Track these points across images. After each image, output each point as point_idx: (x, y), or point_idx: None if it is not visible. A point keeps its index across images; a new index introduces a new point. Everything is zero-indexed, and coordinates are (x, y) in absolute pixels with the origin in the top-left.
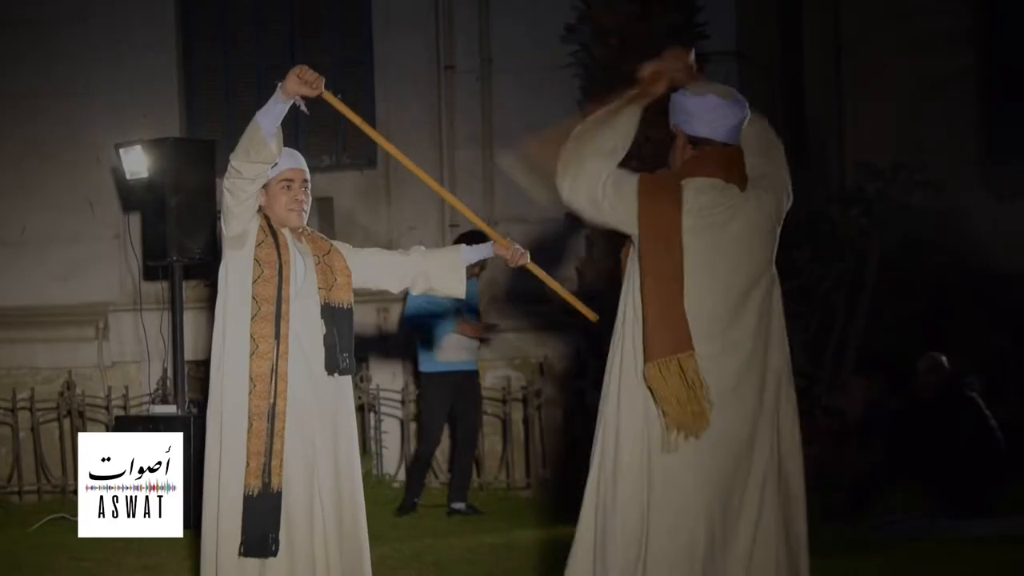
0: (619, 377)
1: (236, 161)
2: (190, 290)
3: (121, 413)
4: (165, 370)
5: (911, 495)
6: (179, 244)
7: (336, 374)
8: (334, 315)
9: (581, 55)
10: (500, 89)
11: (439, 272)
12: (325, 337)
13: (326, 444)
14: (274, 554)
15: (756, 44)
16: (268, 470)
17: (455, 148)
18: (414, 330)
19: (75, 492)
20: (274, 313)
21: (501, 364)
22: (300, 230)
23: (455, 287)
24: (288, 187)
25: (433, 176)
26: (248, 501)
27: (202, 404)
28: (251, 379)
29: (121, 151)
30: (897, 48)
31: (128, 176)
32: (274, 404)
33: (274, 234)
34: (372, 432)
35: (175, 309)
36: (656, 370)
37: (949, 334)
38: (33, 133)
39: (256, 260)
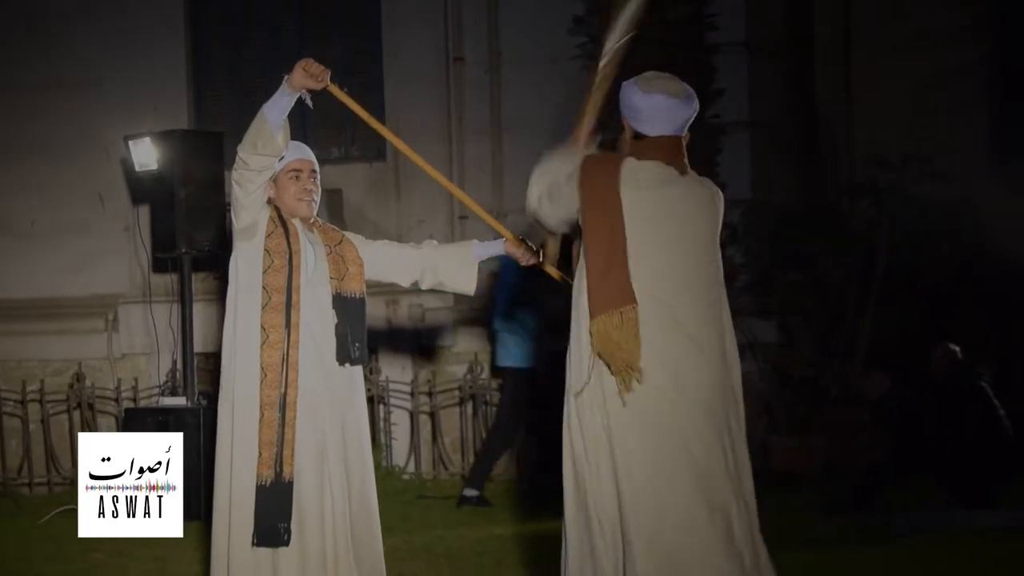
0: (575, 373)
1: (243, 153)
2: (199, 282)
3: (131, 405)
4: (175, 362)
5: (918, 487)
6: (188, 236)
7: (347, 364)
8: (345, 305)
9: (589, 47)
10: (509, 81)
11: (449, 267)
12: (336, 327)
13: (336, 434)
14: (286, 544)
15: (765, 36)
16: (280, 460)
17: (464, 141)
18: (503, 326)
19: None
20: (284, 302)
21: None
22: (311, 221)
23: (465, 283)
24: (296, 177)
25: (442, 170)
26: (260, 491)
27: (212, 395)
28: (262, 369)
29: (130, 143)
30: (907, 41)
31: (137, 168)
32: (285, 393)
33: (284, 224)
34: (381, 424)
35: (184, 301)
36: (601, 325)
37: (958, 326)
38: (43, 126)
39: (266, 250)
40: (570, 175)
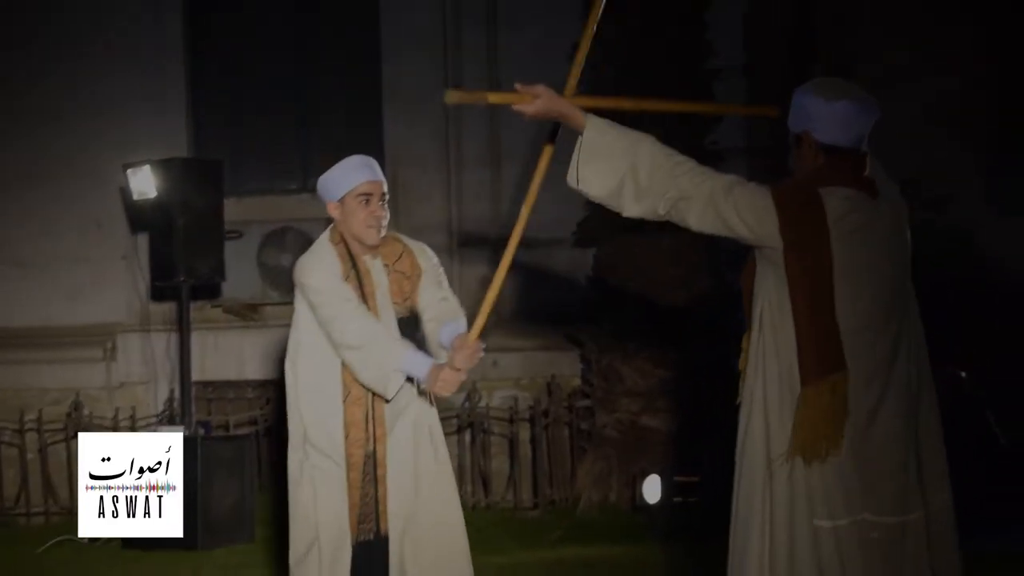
0: (763, 403)
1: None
2: (197, 311)
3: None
4: (172, 391)
5: None
6: (187, 265)
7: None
8: (410, 326)
9: (588, 73)
10: (507, 110)
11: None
12: None
13: (412, 479)
14: None
15: (765, 61)
16: (376, 517)
17: (463, 168)
18: None
19: None
20: None
21: (508, 384)
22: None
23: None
24: (367, 201)
25: (440, 197)
26: (358, 549)
27: (209, 425)
28: (345, 425)
29: (129, 172)
30: (905, 66)
31: (136, 196)
32: (374, 450)
33: (354, 262)
34: None
35: (183, 330)
36: (812, 393)
37: (957, 350)
38: (41, 154)
39: None
40: (747, 198)
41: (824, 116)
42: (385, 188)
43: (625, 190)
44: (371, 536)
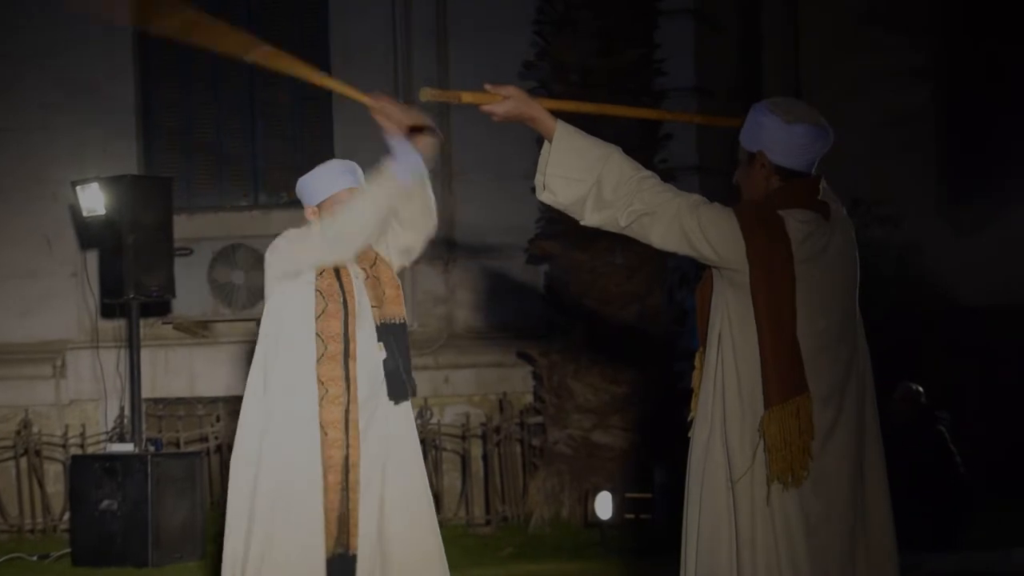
0: (723, 422)
1: (349, 240)
2: (148, 328)
3: (78, 452)
4: (122, 408)
5: None
6: (136, 281)
7: (398, 401)
8: (390, 333)
9: (540, 92)
10: (458, 126)
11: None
12: (386, 362)
13: (397, 487)
14: None
15: (715, 81)
16: (347, 530)
17: None
18: None
19: (32, 531)
20: (342, 352)
21: (460, 400)
22: None
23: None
24: None
25: None
26: (331, 565)
27: (159, 442)
28: (322, 427)
29: (78, 188)
30: (856, 84)
31: (85, 213)
32: (347, 456)
33: None
34: None
35: (132, 347)
36: (776, 416)
37: (909, 368)
38: None
39: (319, 292)
40: (711, 218)
41: (781, 138)
42: None
43: (588, 199)
44: (344, 550)
